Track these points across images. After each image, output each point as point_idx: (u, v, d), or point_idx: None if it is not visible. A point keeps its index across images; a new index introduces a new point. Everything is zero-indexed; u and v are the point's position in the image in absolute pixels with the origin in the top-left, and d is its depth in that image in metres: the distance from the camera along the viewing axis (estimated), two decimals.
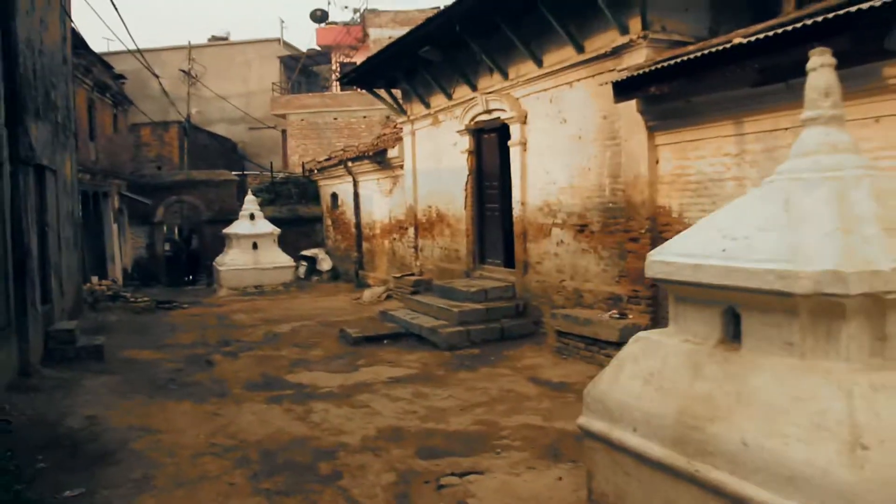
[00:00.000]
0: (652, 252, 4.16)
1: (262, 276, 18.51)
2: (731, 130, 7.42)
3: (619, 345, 8.37)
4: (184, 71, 31.55)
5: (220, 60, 35.50)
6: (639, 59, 8.36)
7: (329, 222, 21.97)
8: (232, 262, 18.73)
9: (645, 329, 8.53)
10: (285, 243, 20.00)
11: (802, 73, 6.66)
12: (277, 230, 19.26)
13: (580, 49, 9.57)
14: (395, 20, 29.66)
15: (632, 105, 8.45)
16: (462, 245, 13.37)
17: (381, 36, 28.89)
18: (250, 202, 19.33)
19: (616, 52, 8.79)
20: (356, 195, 19.27)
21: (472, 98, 12.40)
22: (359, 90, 32.09)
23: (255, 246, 18.76)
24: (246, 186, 23.84)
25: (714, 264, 3.65)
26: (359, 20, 32.58)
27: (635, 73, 7.72)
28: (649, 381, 3.98)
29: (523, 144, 11.13)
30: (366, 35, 30.45)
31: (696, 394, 3.68)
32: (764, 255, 3.48)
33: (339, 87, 32.55)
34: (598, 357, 8.73)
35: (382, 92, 15.98)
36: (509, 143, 11.41)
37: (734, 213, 3.97)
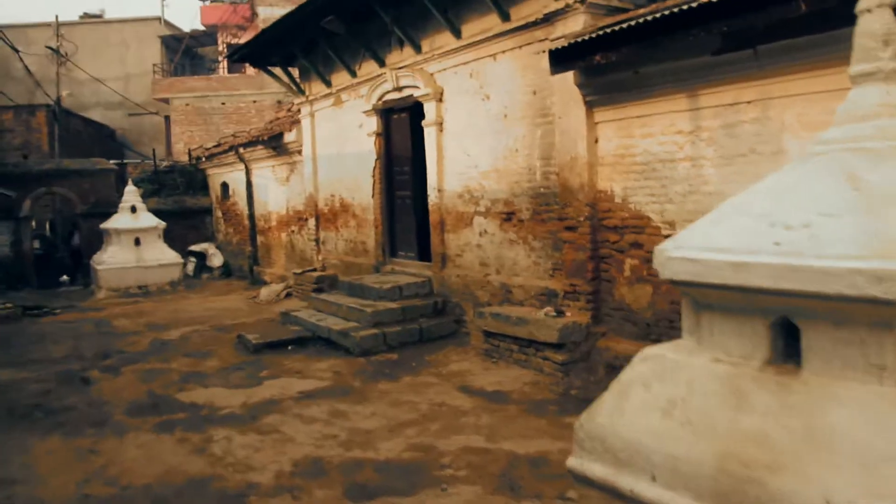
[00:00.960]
0: (665, 246, 3.20)
1: (147, 275, 16.64)
2: (686, 105, 6.65)
3: (557, 346, 7.53)
4: (51, 48, 28.55)
5: (94, 40, 32.49)
6: (575, 26, 7.48)
7: (219, 214, 20.23)
8: (112, 259, 16.74)
9: (586, 328, 7.75)
10: (171, 238, 18.15)
11: (773, 37, 5.98)
12: (163, 224, 17.39)
13: (505, 17, 8.61)
14: None
15: (568, 78, 7.56)
16: (370, 237, 12.22)
17: (272, 15, 27.07)
18: (131, 193, 17.36)
19: (548, 18, 7.88)
20: (249, 184, 17.70)
21: (381, 75, 11.24)
22: (249, 71, 30.23)
23: (137, 242, 16.86)
24: (126, 176, 21.62)
25: (766, 262, 2.71)
26: None
27: (578, 40, 6.81)
28: (670, 414, 3.02)
29: (439, 125, 10.10)
30: (254, 14, 28.54)
31: (743, 432, 2.74)
32: (839, 249, 2.57)
33: (226, 70, 30.49)
34: (535, 360, 7.84)
35: (278, 70, 14.54)
36: (423, 123, 10.34)
37: (776, 193, 3.05)
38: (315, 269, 13.89)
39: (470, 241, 9.72)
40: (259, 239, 17.69)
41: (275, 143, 15.40)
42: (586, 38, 6.71)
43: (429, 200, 10.39)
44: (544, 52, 7.96)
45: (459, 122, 9.75)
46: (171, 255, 17.34)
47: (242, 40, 30.72)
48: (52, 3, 44.58)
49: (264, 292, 14.65)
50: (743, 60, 5.94)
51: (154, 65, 31.10)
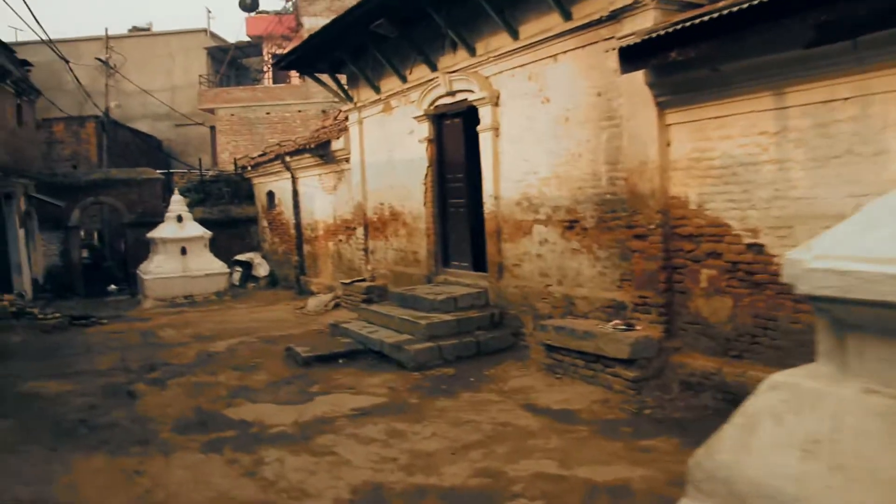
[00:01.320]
0: (800, 256, 2.76)
1: (193, 285, 16.58)
2: (771, 104, 6.15)
3: (628, 362, 7.07)
4: (101, 60, 28.98)
5: (142, 52, 32.94)
6: (645, 23, 7.03)
7: (265, 224, 20.13)
8: (158, 269, 16.73)
9: (658, 343, 7.27)
10: (217, 247, 18.10)
11: (877, 26, 5.47)
12: (209, 233, 17.34)
13: (567, 16, 8.20)
14: (331, 8, 27.89)
15: (637, 78, 7.11)
16: (421, 246, 11.87)
17: (316, 25, 27.03)
18: (177, 203, 17.35)
19: (615, 16, 7.45)
20: (295, 193, 17.54)
21: (433, 79, 10.92)
22: (294, 81, 30.29)
23: (183, 251, 16.82)
24: (172, 186, 21.77)
25: None
26: (291, 9, 30.63)
27: (652, 36, 6.38)
28: (813, 455, 2.57)
29: (495, 130, 9.71)
30: (299, 24, 28.57)
31: None
32: None
33: (272, 80, 30.57)
34: (603, 377, 7.38)
35: (325, 78, 14.31)
36: (478, 128, 9.97)
37: None
38: (364, 280, 13.60)
39: (529, 251, 9.30)
40: (305, 248, 17.50)
41: (322, 151, 15.19)
42: (661, 33, 6.26)
43: (484, 208, 10.00)
44: (610, 51, 7.54)
45: (517, 126, 9.36)
46: (217, 265, 17.26)
47: (287, 51, 30.93)
48: (102, 17, 45.45)
49: (312, 303, 14.41)
50: (840, 53, 5.44)
51: (200, 76, 31.36)
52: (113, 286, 20.16)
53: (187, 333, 12.60)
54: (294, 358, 9.72)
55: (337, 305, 14.12)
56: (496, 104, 9.69)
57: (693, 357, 7.00)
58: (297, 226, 17.62)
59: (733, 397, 6.03)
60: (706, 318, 6.93)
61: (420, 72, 11.41)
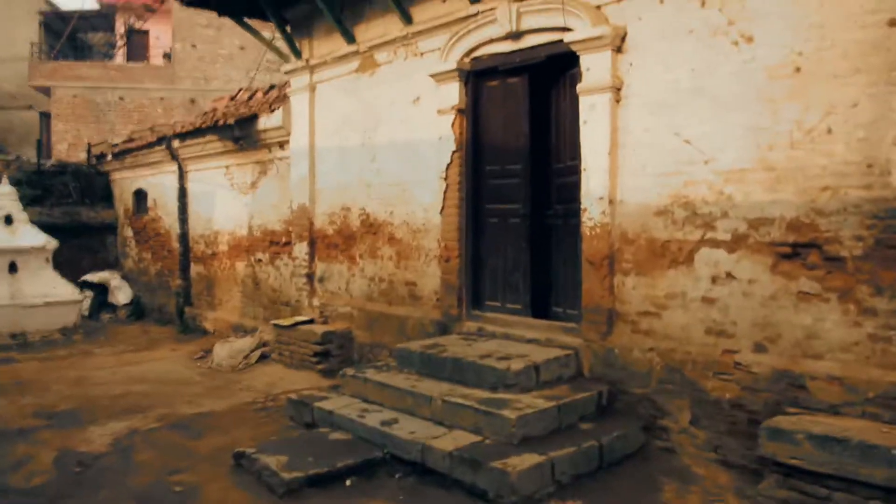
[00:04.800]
0: None
1: (26, 318, 11.20)
2: None
3: None
4: None
5: None
6: None
7: (129, 233, 14.90)
8: None
9: None
10: (58, 263, 12.72)
11: None
12: (53, 242, 11.97)
13: None
14: None
15: None
16: (429, 275, 7.74)
17: None
18: (5, 196, 11.86)
19: None
20: (183, 192, 12.67)
21: (476, 14, 6.95)
22: (156, 60, 24.78)
23: (12, 267, 11.40)
24: None
25: None
26: None
27: None
28: None
29: (616, 90, 5.90)
30: None
31: None
32: None
33: (125, 57, 24.84)
34: None
35: (257, 23, 9.87)
36: (581, 88, 6.10)
37: None
38: (311, 321, 9.17)
39: (683, 291, 5.52)
40: (195, 269, 12.63)
41: (239, 133, 10.60)
42: None
43: (583, 219, 6.11)
44: None
45: (665, 85, 5.62)
46: (65, 290, 11.98)
47: (148, 28, 25.32)
48: None
49: (220, 352, 9.70)
50: None
51: (32, 44, 24.92)
52: None
53: (26, 407, 7.62)
54: (260, 477, 5.29)
55: (264, 357, 9.55)
56: (619, 49, 5.88)
57: None
58: (184, 237, 12.72)
59: None
60: None
61: (440, 6, 7.39)
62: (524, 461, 4.88)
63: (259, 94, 12.03)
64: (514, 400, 5.56)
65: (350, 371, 6.83)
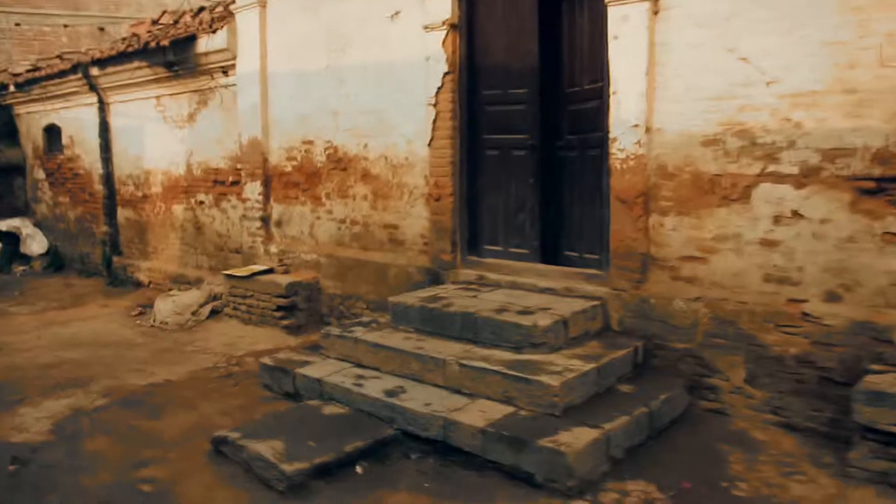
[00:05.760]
0: None
1: None
2: None
3: None
4: None
5: None
6: None
7: (41, 175, 13.22)
8: None
9: None
10: None
11: None
12: None
13: None
14: None
15: None
16: (414, 216, 6.82)
17: None
18: None
19: None
20: (105, 127, 11.16)
21: None
22: None
23: None
24: None
25: None
26: None
27: None
28: None
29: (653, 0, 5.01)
30: None
31: None
32: None
33: None
34: None
35: None
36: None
37: None
38: (272, 270, 8.12)
39: (737, 233, 4.81)
40: (123, 214, 11.25)
41: (174, 57, 9.20)
42: None
43: (613, 149, 5.28)
44: None
45: None
46: None
47: None
48: None
49: (164, 307, 8.54)
50: None
51: None
52: None
53: None
54: (249, 468, 4.37)
55: (214, 312, 8.47)
56: None
57: None
58: (108, 179, 11.27)
59: None
60: None
61: None
62: (577, 437, 4.13)
63: (187, 17, 10.58)
64: (545, 362, 4.79)
65: (335, 330, 5.90)
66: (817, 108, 4.43)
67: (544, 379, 4.49)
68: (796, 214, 4.56)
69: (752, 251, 4.77)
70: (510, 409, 4.55)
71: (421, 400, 4.79)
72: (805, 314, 4.54)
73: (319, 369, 5.56)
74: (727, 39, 4.74)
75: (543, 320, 5.03)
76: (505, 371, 4.66)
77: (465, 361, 4.89)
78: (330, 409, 5.09)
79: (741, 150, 4.75)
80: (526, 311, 5.26)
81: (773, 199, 4.64)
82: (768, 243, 4.70)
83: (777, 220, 4.65)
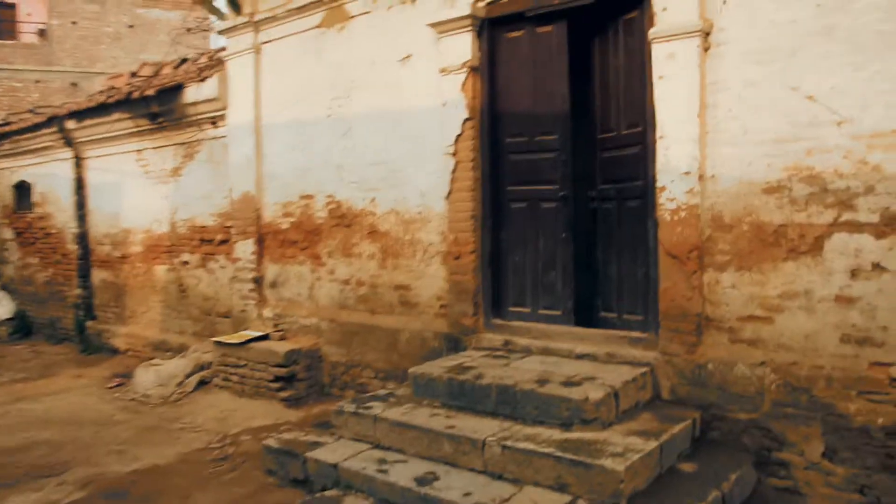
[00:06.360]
0: None
1: None
2: None
3: None
4: None
5: None
6: None
7: (9, 234, 12.46)
8: None
9: None
10: None
11: None
12: None
13: None
14: None
15: None
16: (430, 275, 6.25)
17: None
18: None
19: None
20: (80, 183, 10.50)
21: None
22: (26, 37, 21.72)
23: None
24: None
25: None
26: None
27: None
28: None
29: (705, 35, 4.61)
30: None
31: None
32: None
33: None
34: None
35: None
36: (654, 34, 4.78)
37: None
38: (267, 336, 7.46)
39: (808, 289, 4.32)
40: (98, 275, 10.51)
41: (159, 108, 8.66)
42: None
43: (662, 199, 4.80)
44: None
45: (777, 25, 4.38)
46: None
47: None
48: None
49: (146, 378, 7.80)
50: None
51: None
52: None
53: None
54: None
55: (203, 383, 7.74)
56: None
57: None
58: (82, 238, 10.56)
59: None
60: None
61: None
62: None
63: (167, 69, 10.11)
64: (600, 441, 4.19)
65: (349, 406, 5.23)
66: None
67: (607, 463, 3.88)
68: (877, 267, 4.09)
69: (826, 309, 4.26)
70: (566, 497, 3.93)
71: (459, 489, 4.14)
72: (894, 379, 4.02)
73: (334, 452, 4.88)
74: (790, 77, 4.33)
75: (594, 393, 4.44)
76: (558, 454, 4.05)
77: (508, 443, 4.27)
78: (351, 502, 4.41)
79: (810, 198, 4.28)
80: (570, 383, 4.68)
81: (850, 251, 4.17)
82: (845, 300, 4.20)
83: (854, 273, 4.16)
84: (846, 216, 4.18)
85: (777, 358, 4.42)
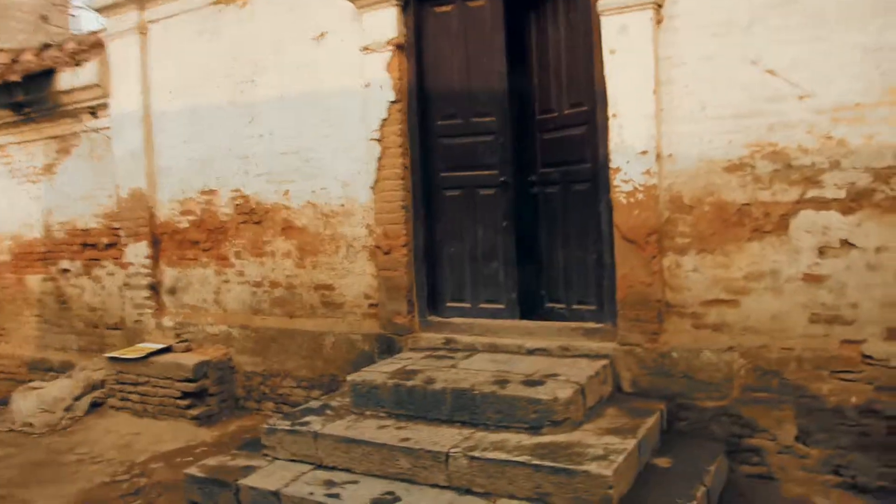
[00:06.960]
0: None
1: None
2: None
3: None
4: None
5: None
6: None
7: None
8: None
9: None
10: None
11: None
12: None
13: None
14: None
15: None
16: (356, 272, 5.74)
17: None
18: None
19: None
20: None
21: None
22: None
23: None
24: None
25: None
26: None
27: None
28: None
29: (657, 6, 4.36)
30: None
31: None
32: None
33: None
34: None
35: None
36: (603, 5, 4.47)
37: None
38: (170, 349, 6.68)
39: (774, 269, 4.18)
40: None
41: (26, 97, 7.62)
42: None
43: (617, 181, 4.52)
44: None
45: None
46: None
47: None
48: None
49: (26, 404, 6.83)
50: None
51: None
52: None
53: None
54: None
55: (96, 405, 6.87)
56: None
57: None
58: None
59: None
60: None
61: None
62: None
63: (27, 55, 8.96)
64: (576, 443, 3.87)
65: (283, 423, 4.66)
66: (864, 122, 3.89)
67: (591, 468, 3.55)
68: (846, 244, 3.98)
69: (794, 289, 4.13)
70: None
71: None
72: (865, 357, 3.93)
73: (271, 477, 4.31)
74: (748, 50, 4.15)
75: (563, 391, 4.11)
76: (535, 462, 3.69)
77: (475, 453, 3.86)
78: None
79: (774, 175, 4.13)
80: (531, 381, 4.33)
81: (817, 229, 4.04)
82: (813, 279, 4.08)
83: (822, 251, 4.04)
84: (812, 193, 4.05)
85: (745, 342, 4.25)
